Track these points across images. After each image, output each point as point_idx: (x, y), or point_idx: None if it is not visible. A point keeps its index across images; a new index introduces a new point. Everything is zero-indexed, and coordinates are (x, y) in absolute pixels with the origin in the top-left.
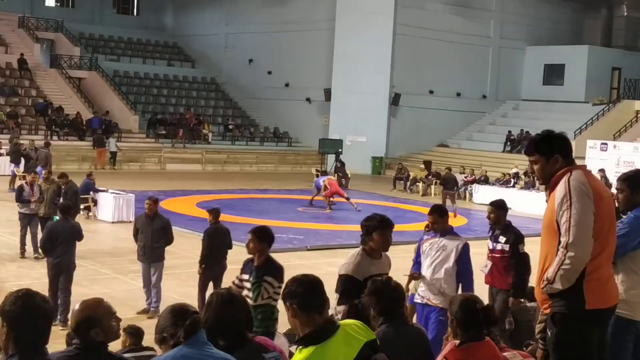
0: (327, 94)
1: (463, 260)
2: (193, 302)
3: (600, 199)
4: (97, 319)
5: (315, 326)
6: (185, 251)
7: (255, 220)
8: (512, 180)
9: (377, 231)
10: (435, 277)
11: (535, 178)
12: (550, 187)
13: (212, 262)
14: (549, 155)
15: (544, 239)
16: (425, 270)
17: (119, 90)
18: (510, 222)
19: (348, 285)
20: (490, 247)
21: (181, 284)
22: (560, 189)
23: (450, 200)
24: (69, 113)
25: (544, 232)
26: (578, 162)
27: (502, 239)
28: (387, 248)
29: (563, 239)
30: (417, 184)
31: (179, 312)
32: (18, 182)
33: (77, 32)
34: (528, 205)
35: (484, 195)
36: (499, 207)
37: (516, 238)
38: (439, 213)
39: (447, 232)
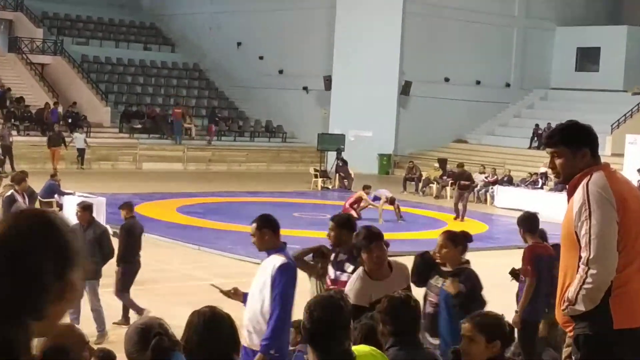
0: (327, 82)
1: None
2: (174, 320)
3: (624, 203)
4: (66, 350)
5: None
6: (162, 262)
7: (244, 228)
8: (540, 180)
9: (363, 250)
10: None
11: (554, 176)
12: (568, 192)
13: (132, 260)
14: (577, 148)
15: (563, 252)
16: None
17: (87, 78)
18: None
19: (355, 314)
20: (332, 277)
21: (160, 300)
22: (578, 196)
23: (461, 202)
24: (29, 104)
25: (562, 243)
26: (614, 161)
27: (348, 267)
28: (382, 264)
29: (584, 254)
30: (431, 185)
31: (143, 332)
32: None
33: (39, 11)
34: (559, 210)
35: (507, 198)
36: (341, 225)
37: None
38: (265, 226)
39: (275, 248)
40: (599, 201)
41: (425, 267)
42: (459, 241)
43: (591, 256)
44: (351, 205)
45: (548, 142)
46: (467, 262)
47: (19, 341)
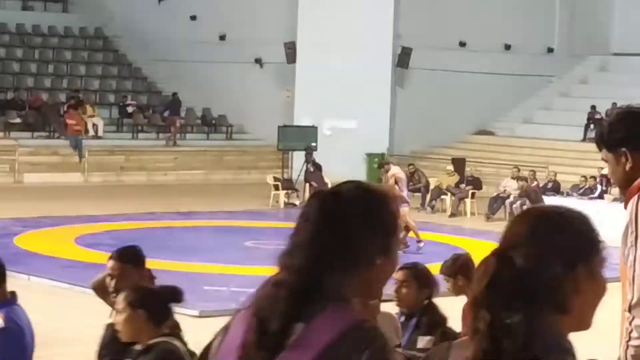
0: (290, 51)
1: None
2: None
3: None
4: None
5: None
6: (56, 319)
7: (175, 265)
8: (600, 186)
9: None
10: None
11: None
12: (625, 205)
13: None
14: (616, 149)
15: (622, 291)
16: None
17: None
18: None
19: None
20: None
21: None
22: (627, 212)
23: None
24: None
25: (621, 278)
26: None
27: None
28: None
29: (629, 296)
30: (443, 197)
31: None
32: None
33: None
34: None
35: None
36: (122, 259)
37: None
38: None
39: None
40: None
41: None
42: (425, 282)
43: (635, 299)
44: None
45: (597, 145)
46: (430, 305)
47: None
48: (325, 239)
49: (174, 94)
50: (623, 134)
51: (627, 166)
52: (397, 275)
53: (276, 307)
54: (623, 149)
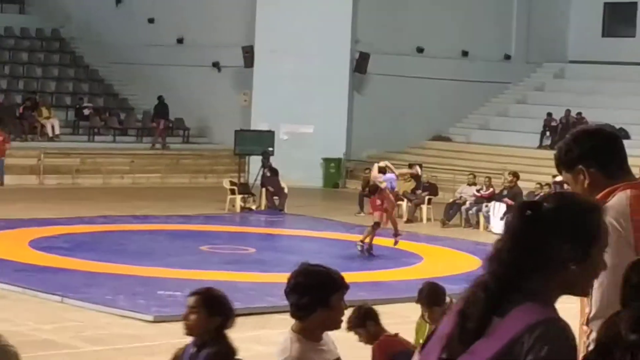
0: (248, 56)
1: None
2: None
3: None
4: None
5: None
6: (8, 322)
7: (130, 269)
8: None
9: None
10: None
11: None
12: None
13: None
14: (572, 168)
15: (580, 304)
16: None
17: None
18: None
19: None
20: None
21: None
22: None
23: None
24: None
25: None
26: None
27: None
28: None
29: (586, 309)
30: (399, 202)
31: None
32: None
33: None
34: None
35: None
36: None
37: None
38: None
39: None
40: (609, 235)
41: None
42: (216, 309)
43: (592, 313)
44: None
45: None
46: (219, 335)
47: None
48: (519, 245)
49: (160, 97)
50: (578, 152)
51: (585, 183)
52: (188, 300)
53: (476, 307)
54: (579, 167)
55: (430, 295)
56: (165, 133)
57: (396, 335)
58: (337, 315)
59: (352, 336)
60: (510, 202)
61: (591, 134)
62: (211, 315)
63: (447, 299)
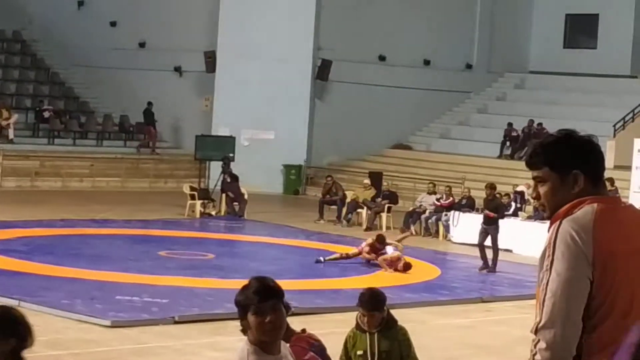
0: (210, 60)
1: None
2: None
3: (609, 258)
4: None
5: None
6: None
7: (87, 274)
8: (514, 204)
9: (252, 309)
10: None
11: (541, 209)
12: (549, 229)
13: None
14: (565, 170)
15: (536, 313)
16: None
17: None
18: None
19: None
20: None
21: None
22: (548, 235)
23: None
24: None
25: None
26: (617, 175)
27: None
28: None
29: (536, 318)
30: (359, 210)
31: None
32: None
33: None
34: (539, 246)
35: (467, 229)
36: None
37: None
38: None
39: None
40: (568, 247)
41: None
42: (9, 331)
43: (541, 323)
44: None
45: (529, 162)
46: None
47: None
48: None
49: (149, 103)
50: (573, 155)
51: (576, 188)
52: None
53: None
54: (576, 171)
55: (371, 301)
56: (156, 137)
57: (303, 330)
58: (259, 331)
59: None
60: (491, 214)
61: (584, 140)
62: (4, 337)
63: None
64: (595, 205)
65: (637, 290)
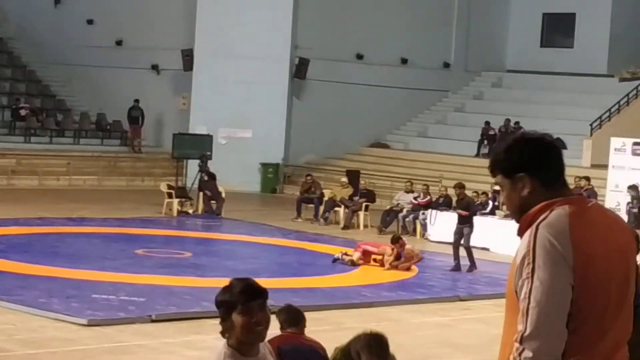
0: (188, 59)
1: None
2: None
3: (588, 260)
4: None
5: None
6: None
7: (64, 272)
8: (491, 202)
9: (238, 309)
10: None
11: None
12: (518, 233)
13: None
14: (513, 175)
15: (505, 316)
16: None
17: None
18: None
19: None
20: None
21: None
22: (524, 242)
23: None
24: None
25: (506, 304)
26: (594, 174)
27: None
28: (263, 335)
29: (520, 327)
30: (337, 209)
31: None
32: None
33: None
34: (516, 244)
35: (444, 227)
36: None
37: None
38: None
39: None
40: (548, 254)
41: None
42: None
43: (527, 332)
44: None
45: (489, 171)
46: None
47: None
48: None
49: (136, 101)
50: (519, 158)
51: (525, 192)
52: None
53: None
54: (521, 174)
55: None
56: (139, 135)
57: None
58: (243, 331)
59: None
60: (464, 213)
61: (532, 141)
62: None
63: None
64: (566, 207)
65: (614, 291)
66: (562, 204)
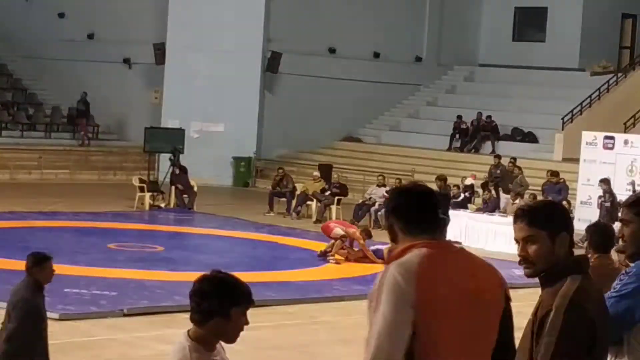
0: (160, 52)
1: None
2: None
3: (437, 304)
4: None
5: None
6: None
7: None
8: (463, 194)
9: (241, 308)
10: None
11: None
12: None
13: None
14: (387, 219)
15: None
16: None
17: None
18: None
19: None
20: None
21: None
22: (376, 279)
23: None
24: None
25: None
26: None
27: None
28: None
29: (364, 356)
30: (309, 203)
31: None
32: None
33: None
34: (488, 237)
35: None
36: None
37: None
38: None
39: None
40: (392, 291)
41: None
42: None
43: None
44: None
45: None
46: None
47: None
48: None
49: (84, 93)
50: (390, 207)
51: (396, 237)
52: None
53: None
54: (390, 220)
55: None
56: (88, 131)
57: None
58: (235, 329)
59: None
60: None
61: (400, 193)
62: None
63: None
64: (424, 250)
65: (463, 330)
66: (422, 246)
